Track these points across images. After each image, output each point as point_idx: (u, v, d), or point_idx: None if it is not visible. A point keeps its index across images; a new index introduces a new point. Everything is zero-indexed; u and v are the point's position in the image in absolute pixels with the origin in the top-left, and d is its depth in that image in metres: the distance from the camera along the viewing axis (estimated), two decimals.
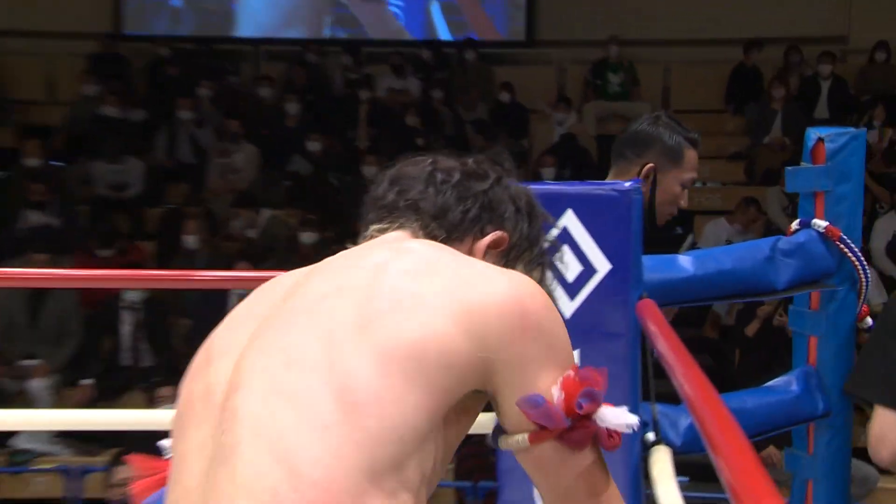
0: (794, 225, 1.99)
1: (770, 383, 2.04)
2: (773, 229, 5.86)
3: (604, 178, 2.19)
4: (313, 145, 7.41)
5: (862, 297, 1.99)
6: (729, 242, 5.61)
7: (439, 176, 1.06)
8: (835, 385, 1.99)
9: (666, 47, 8.77)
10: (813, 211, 1.98)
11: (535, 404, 0.91)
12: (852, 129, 1.94)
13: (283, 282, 1.01)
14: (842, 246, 1.90)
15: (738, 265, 1.85)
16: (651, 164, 2.30)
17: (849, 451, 2.08)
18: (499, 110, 8.20)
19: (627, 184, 1.65)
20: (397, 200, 1.05)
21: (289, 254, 6.22)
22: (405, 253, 0.96)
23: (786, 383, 2.02)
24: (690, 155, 2.28)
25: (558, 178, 6.74)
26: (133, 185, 7.24)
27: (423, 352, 0.87)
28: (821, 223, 1.92)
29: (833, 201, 1.94)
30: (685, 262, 1.84)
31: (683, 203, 2.31)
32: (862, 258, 1.92)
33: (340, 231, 6.81)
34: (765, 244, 1.92)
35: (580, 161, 7.42)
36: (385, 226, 1.05)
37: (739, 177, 7.69)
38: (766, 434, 2.00)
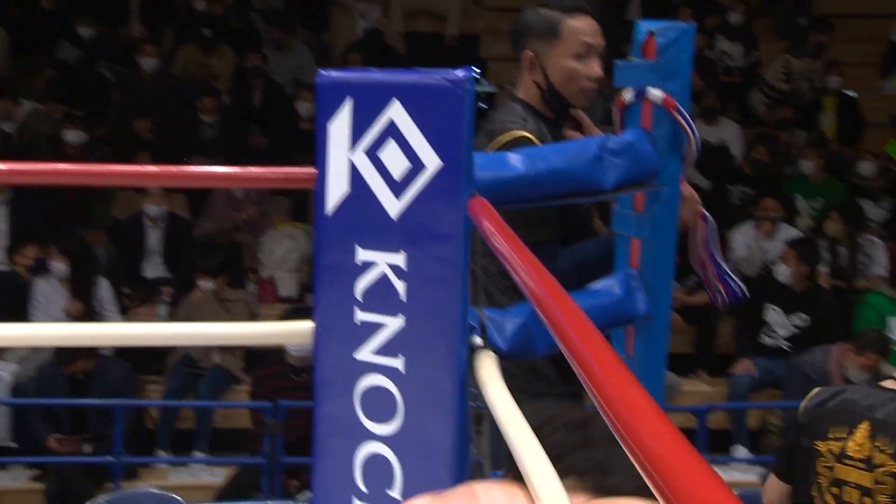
0: (628, 95, 2.07)
1: (593, 285, 2.16)
2: None
3: None
4: (84, 31, 6.93)
5: None
6: None
7: None
8: (657, 287, 2.13)
9: None
10: (640, 109, 2.09)
11: None
12: (683, 24, 2.03)
13: None
14: (678, 116, 2.01)
15: (568, 165, 1.93)
16: (530, 53, 2.32)
17: (665, 354, 2.25)
18: None
19: (460, 72, 1.66)
20: None
21: (50, 154, 5.84)
22: None
23: (609, 286, 2.15)
24: (571, 24, 2.30)
25: None
26: None
27: None
28: (657, 93, 2.01)
29: None
30: (515, 160, 1.89)
31: (593, 72, 2.31)
32: (696, 130, 2.03)
33: (111, 130, 6.46)
34: (594, 143, 2.00)
35: (388, 59, 7.38)
36: None
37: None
38: None
